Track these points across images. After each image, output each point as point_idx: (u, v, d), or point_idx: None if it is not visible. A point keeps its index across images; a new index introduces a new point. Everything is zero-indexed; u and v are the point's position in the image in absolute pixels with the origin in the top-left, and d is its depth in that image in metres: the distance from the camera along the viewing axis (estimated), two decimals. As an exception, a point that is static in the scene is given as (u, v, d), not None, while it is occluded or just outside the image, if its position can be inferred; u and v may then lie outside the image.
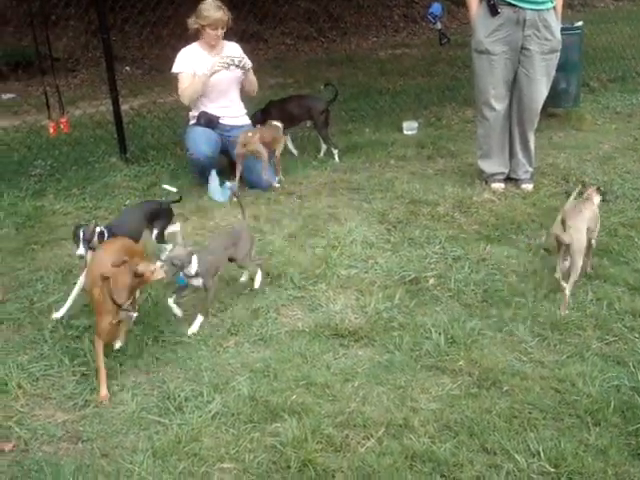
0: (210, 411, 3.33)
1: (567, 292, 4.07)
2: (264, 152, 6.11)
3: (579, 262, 4.13)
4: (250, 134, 6.10)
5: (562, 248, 4.19)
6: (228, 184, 6.15)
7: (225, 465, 3.00)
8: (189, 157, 6.37)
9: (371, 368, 3.63)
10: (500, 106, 5.98)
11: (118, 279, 3.53)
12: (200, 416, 3.31)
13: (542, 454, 2.98)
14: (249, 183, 6.32)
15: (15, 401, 3.49)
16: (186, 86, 6.17)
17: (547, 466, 2.93)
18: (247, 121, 6.61)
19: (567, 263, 4.21)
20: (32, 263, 5.03)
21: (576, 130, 7.99)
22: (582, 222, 4.23)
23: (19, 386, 3.56)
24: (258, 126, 6.43)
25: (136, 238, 4.37)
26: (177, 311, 4.12)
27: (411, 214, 5.56)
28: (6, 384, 3.57)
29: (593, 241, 4.46)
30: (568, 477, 2.87)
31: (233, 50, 6.36)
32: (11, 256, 5.18)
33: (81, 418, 3.38)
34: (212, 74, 6.07)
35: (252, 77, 6.43)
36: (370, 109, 9.03)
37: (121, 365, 3.75)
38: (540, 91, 5.96)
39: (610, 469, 2.91)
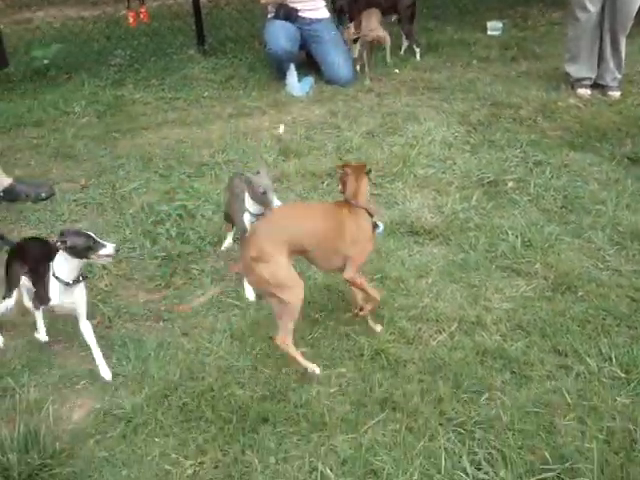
0: (286, 298, 3.42)
1: None
2: (387, 37, 6.08)
3: None
4: (374, 18, 6.05)
5: None
6: (309, 78, 6.11)
7: (301, 349, 3.09)
8: (267, 51, 6.31)
9: (445, 266, 3.65)
10: (594, 8, 5.69)
11: None
12: (276, 302, 3.40)
13: (614, 359, 2.98)
14: (328, 78, 6.24)
15: (99, 281, 3.65)
16: None
17: (618, 371, 2.93)
18: (327, 14, 6.47)
19: None
20: (114, 150, 5.16)
21: (671, 37, 7.55)
22: None
23: (104, 267, 3.70)
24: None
25: None
26: None
27: (492, 116, 5.43)
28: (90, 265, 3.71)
29: None
30: (638, 383, 2.86)
31: None
32: (93, 143, 5.32)
33: (162, 298, 3.53)
34: None
35: None
36: (453, 7, 8.74)
37: (200, 250, 3.86)
38: (636, -7, 5.65)
39: (683, 378, 2.90)
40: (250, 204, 3.39)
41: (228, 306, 3.42)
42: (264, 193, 3.29)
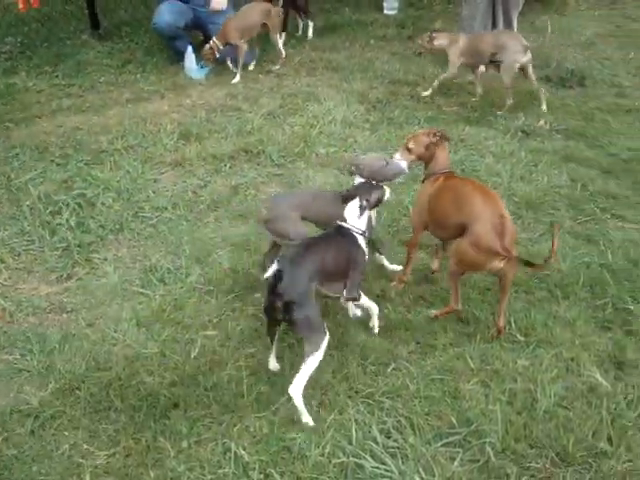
0: (191, 282, 3.41)
1: None
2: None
3: None
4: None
5: None
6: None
7: (208, 332, 3.09)
8: (152, 26, 6.17)
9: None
10: (489, -14, 5.86)
11: None
12: (182, 287, 3.39)
13: (513, 324, 3.11)
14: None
15: (-2, 275, 3.53)
16: None
17: (518, 335, 3.06)
18: (221, -3, 6.38)
19: None
20: (7, 141, 4.97)
21: (559, 15, 7.91)
22: None
23: (2, 260, 3.59)
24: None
25: None
26: None
27: (391, 94, 5.52)
28: (-13, 259, 3.59)
29: None
30: (537, 345, 3.00)
31: None
32: (-15, 133, 5.10)
33: (65, 290, 3.44)
34: None
35: None
36: (350, -14, 8.77)
37: (102, 239, 3.78)
38: (527, -29, 5.84)
39: (577, 339, 3.05)
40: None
41: (133, 294, 3.37)
42: (387, 164, 3.23)
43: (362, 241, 2.94)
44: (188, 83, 5.79)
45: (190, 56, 6.01)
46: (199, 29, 6.37)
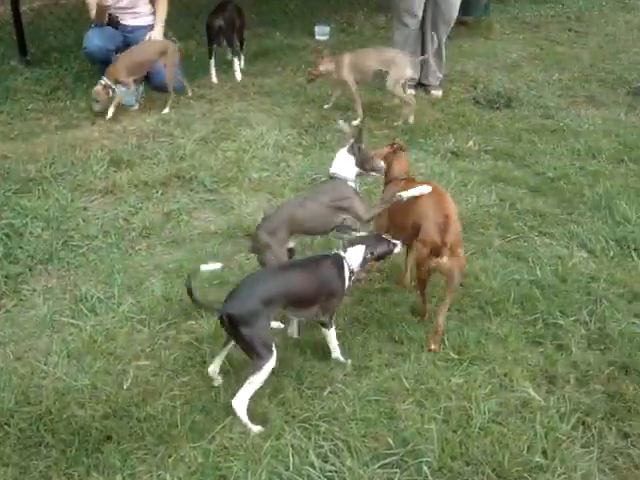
0: (124, 312, 3.35)
1: None
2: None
3: None
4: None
5: None
6: (139, 87, 5.99)
7: (141, 362, 3.04)
8: (83, 52, 6.08)
9: (284, 267, 3.70)
10: (421, 13, 5.97)
11: None
12: (114, 317, 3.33)
13: (447, 342, 3.15)
14: (158, 85, 6.14)
15: None
16: None
17: (451, 353, 3.10)
18: (150, 21, 6.33)
19: None
20: None
21: (485, 39, 8.09)
22: None
23: None
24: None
25: None
26: None
27: (322, 118, 5.57)
28: None
29: None
30: (470, 363, 3.05)
31: None
32: None
33: (-8, 322, 3.34)
34: None
35: None
36: (281, 12, 8.85)
37: (30, 270, 3.69)
38: (456, -3, 5.99)
39: (510, 355, 3.11)
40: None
41: (63, 325, 3.30)
42: (372, 157, 3.45)
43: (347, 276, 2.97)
44: (119, 109, 5.72)
45: (121, 83, 5.93)
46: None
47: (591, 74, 6.88)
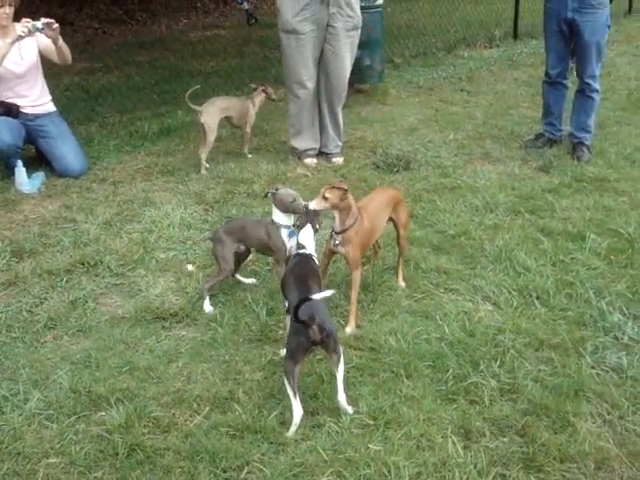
0: (30, 408, 3.23)
1: None
2: None
3: None
4: None
5: None
6: (40, 174, 5.93)
7: (51, 460, 2.93)
8: None
9: (194, 347, 3.67)
10: (311, 84, 6.15)
11: None
12: (20, 414, 3.20)
13: (362, 409, 3.16)
14: (60, 172, 6.09)
15: None
16: None
17: (367, 419, 3.11)
18: (53, 108, 6.32)
19: None
20: None
21: (382, 104, 8.35)
22: None
23: None
24: None
25: None
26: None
27: (227, 193, 5.61)
28: None
29: None
30: (386, 427, 3.06)
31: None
32: None
33: None
34: (2, 58, 5.73)
35: (62, 43, 5.97)
36: (182, 91, 8.76)
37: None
38: (346, 67, 6.21)
39: (423, 415, 3.13)
40: (281, 218, 3.84)
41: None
42: (293, 201, 3.74)
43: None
44: (20, 198, 5.62)
45: (21, 171, 5.83)
46: (30, 143, 6.27)
47: (484, 131, 7.18)
